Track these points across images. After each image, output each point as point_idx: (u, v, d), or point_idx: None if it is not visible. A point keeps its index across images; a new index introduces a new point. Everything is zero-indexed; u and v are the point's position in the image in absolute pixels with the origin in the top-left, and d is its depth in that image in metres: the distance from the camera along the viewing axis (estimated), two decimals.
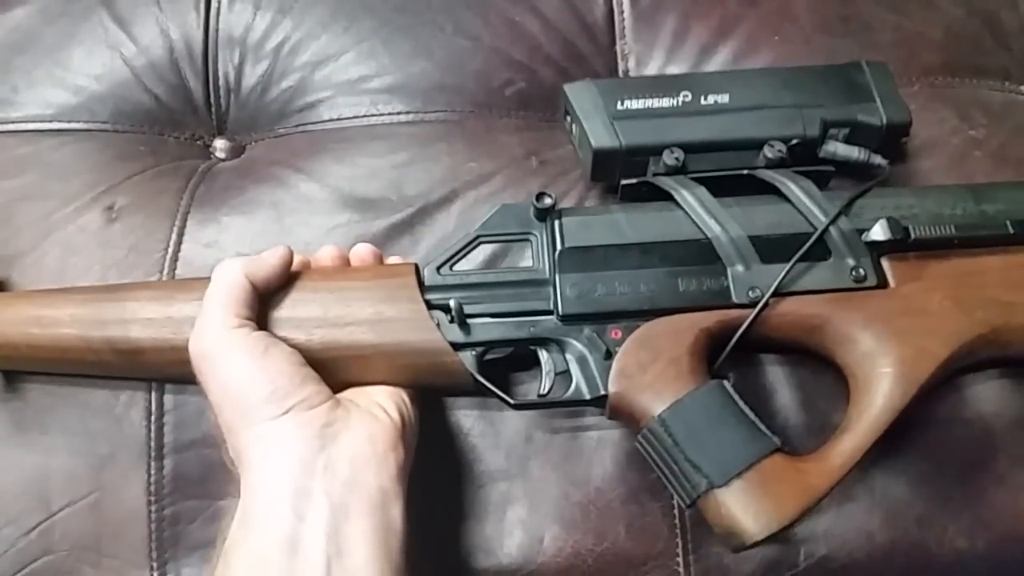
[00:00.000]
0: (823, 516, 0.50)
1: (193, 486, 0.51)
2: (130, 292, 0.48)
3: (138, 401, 0.52)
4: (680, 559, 0.50)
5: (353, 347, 0.46)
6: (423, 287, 0.48)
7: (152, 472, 0.52)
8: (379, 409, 0.44)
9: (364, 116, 0.62)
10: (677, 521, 0.50)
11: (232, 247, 0.56)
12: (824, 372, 0.51)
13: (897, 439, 0.50)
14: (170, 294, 0.48)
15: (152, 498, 0.51)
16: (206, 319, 0.43)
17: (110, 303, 0.47)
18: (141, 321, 0.47)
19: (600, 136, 0.51)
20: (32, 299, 0.49)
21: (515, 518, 0.50)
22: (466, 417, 0.52)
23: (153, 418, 0.52)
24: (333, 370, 0.46)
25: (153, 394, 0.52)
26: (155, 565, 0.51)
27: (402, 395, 0.46)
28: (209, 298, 0.44)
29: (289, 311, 0.46)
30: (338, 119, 0.62)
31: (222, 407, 0.42)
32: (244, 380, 0.42)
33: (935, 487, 0.50)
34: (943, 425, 0.51)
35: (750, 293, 0.47)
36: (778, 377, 0.52)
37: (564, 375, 0.47)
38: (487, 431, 0.52)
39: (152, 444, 0.52)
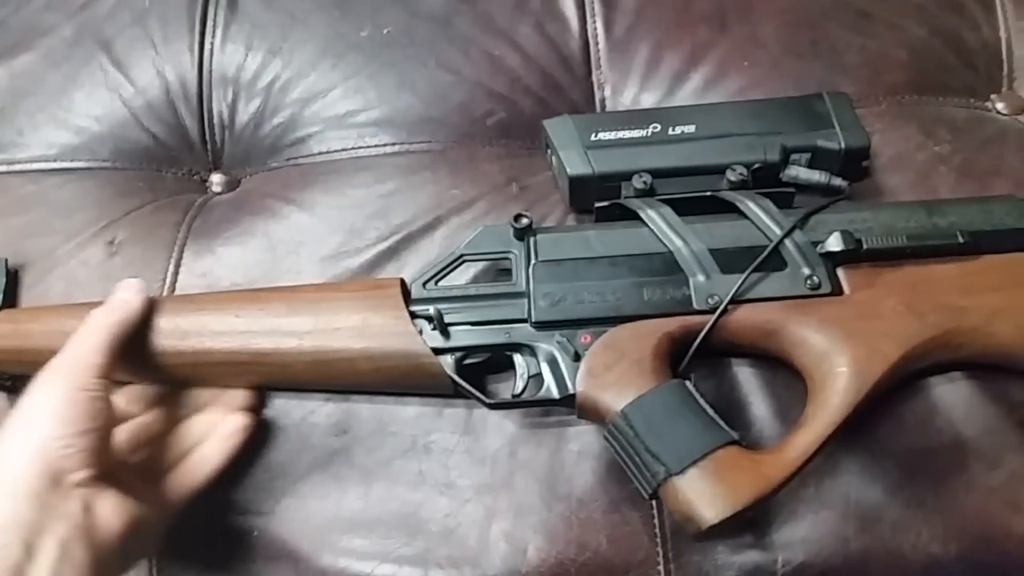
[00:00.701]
0: (799, 523, 0.59)
1: (194, 502, 0.63)
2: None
3: None
4: (661, 567, 0.59)
5: (341, 351, 0.60)
6: (409, 300, 0.62)
7: None
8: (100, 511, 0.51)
9: (352, 148, 0.77)
10: (657, 530, 0.60)
11: (227, 276, 0.70)
12: (798, 383, 0.60)
13: (869, 447, 0.59)
14: (175, 307, 0.63)
15: None
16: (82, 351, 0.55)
17: None
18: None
19: (575, 165, 0.66)
20: (57, 312, 0.63)
21: (500, 531, 0.60)
22: (451, 436, 0.63)
23: None
24: (323, 372, 0.60)
25: None
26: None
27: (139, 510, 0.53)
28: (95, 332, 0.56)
29: (283, 320, 0.61)
30: (327, 152, 0.77)
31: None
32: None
33: (909, 493, 0.59)
34: (915, 432, 0.61)
35: (710, 300, 0.59)
36: (752, 388, 0.63)
37: (537, 377, 0.60)
38: (472, 447, 0.63)
39: None
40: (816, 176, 0.65)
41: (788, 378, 0.61)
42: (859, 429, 0.60)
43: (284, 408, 0.65)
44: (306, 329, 0.61)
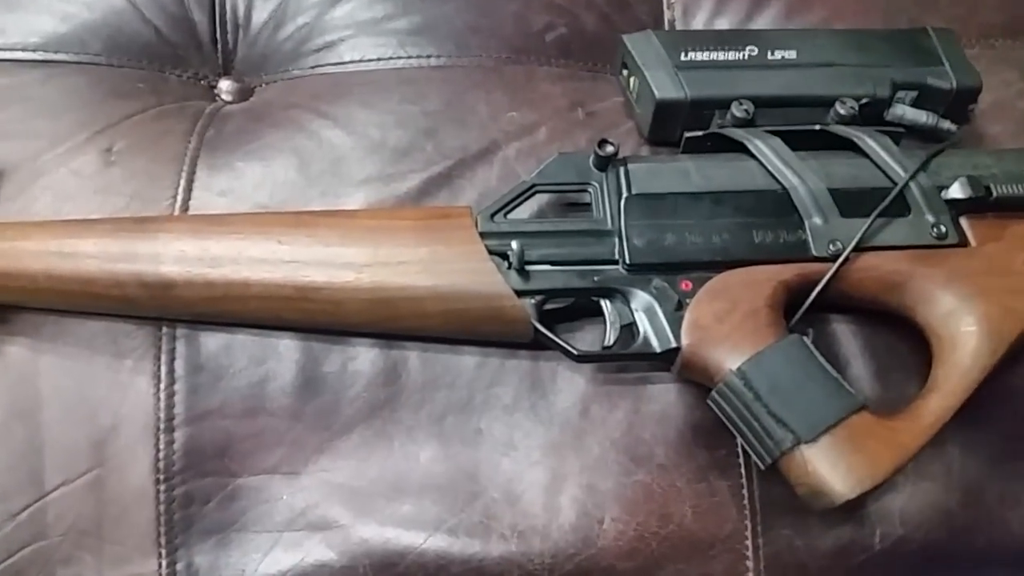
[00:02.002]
0: (898, 495, 0.55)
1: (208, 461, 0.55)
2: (161, 224, 0.53)
3: (145, 366, 0.56)
4: (749, 542, 0.55)
5: (406, 289, 0.52)
6: (478, 233, 0.54)
7: (161, 446, 0.55)
8: None
9: (390, 59, 0.67)
10: (747, 501, 0.55)
11: (250, 196, 0.60)
12: (899, 343, 0.57)
13: (972, 414, 0.54)
14: (204, 228, 0.52)
15: (161, 476, 0.54)
16: None
17: (140, 236, 0.52)
18: (174, 255, 0.51)
19: (665, 87, 0.58)
20: (54, 229, 0.53)
21: (570, 498, 0.54)
22: (514, 390, 0.57)
23: (163, 385, 0.56)
24: (385, 313, 0.51)
25: (163, 358, 0.56)
26: (164, 552, 0.54)
27: None
28: None
29: (336, 250, 0.52)
30: (362, 60, 0.68)
31: None
32: None
33: (1015, 464, 0.56)
34: (1020, 399, 0.57)
35: (830, 246, 0.53)
36: (852, 348, 0.58)
37: (629, 328, 0.53)
38: (538, 404, 0.56)
39: (162, 415, 0.55)
40: (924, 117, 0.60)
41: (889, 336, 0.58)
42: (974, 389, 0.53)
43: (321, 352, 0.57)
44: (364, 261, 0.52)
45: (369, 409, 0.56)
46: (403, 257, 0.52)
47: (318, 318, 0.54)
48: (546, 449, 0.56)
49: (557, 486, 0.55)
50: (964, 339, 0.52)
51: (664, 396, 0.57)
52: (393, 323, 0.54)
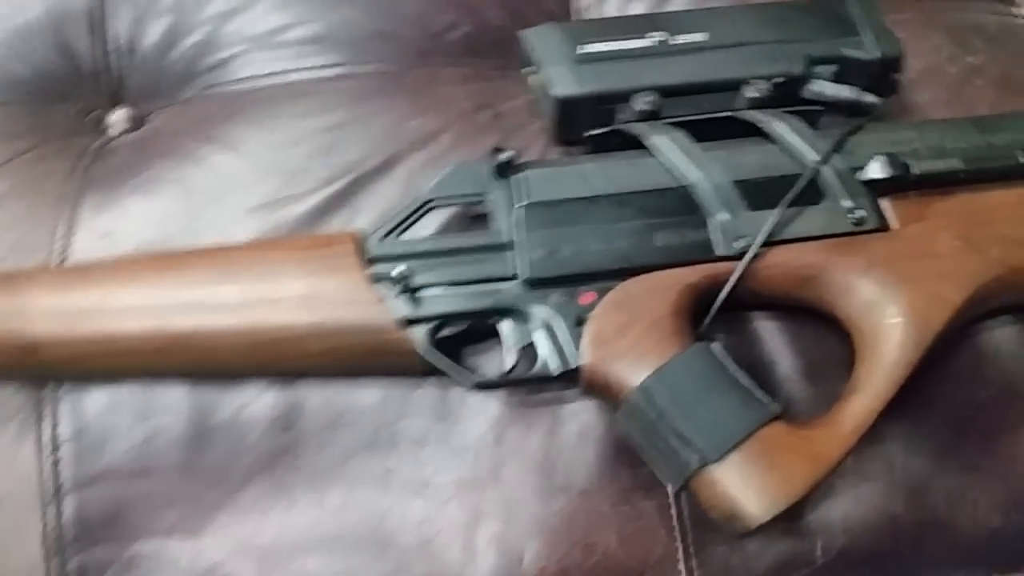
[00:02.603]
0: (838, 501, 0.52)
1: (100, 529, 0.52)
2: (29, 278, 0.50)
3: (28, 433, 0.53)
4: (682, 564, 0.52)
5: (284, 328, 0.49)
6: (365, 258, 0.50)
7: (49, 518, 0.52)
8: None
9: (284, 72, 0.65)
10: (676, 521, 0.52)
11: (134, 235, 0.57)
12: (827, 335, 0.54)
13: (913, 406, 0.52)
14: (69, 279, 0.50)
15: (51, 550, 0.51)
16: None
17: (5, 293, 0.49)
18: (40, 312, 0.49)
19: (563, 83, 0.54)
20: None
21: (489, 535, 0.52)
22: (422, 423, 0.53)
23: (46, 452, 0.52)
24: (265, 357, 0.48)
25: (45, 422, 0.53)
26: None
27: None
28: None
29: (207, 291, 0.49)
30: (254, 77, 0.65)
31: None
32: None
33: (960, 458, 0.53)
34: (961, 386, 0.54)
35: (736, 243, 0.50)
36: (777, 346, 0.55)
37: (530, 348, 0.50)
38: (449, 435, 0.53)
39: (48, 484, 0.52)
40: (845, 91, 0.56)
41: (817, 330, 0.54)
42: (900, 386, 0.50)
43: (211, 400, 0.54)
44: (238, 302, 0.49)
45: (267, 458, 0.53)
46: (281, 293, 0.49)
47: (196, 368, 0.51)
48: (461, 484, 0.53)
49: (474, 524, 0.52)
50: (887, 332, 0.48)
51: (581, 415, 0.53)
52: (277, 366, 0.51)
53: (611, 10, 0.69)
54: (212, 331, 0.49)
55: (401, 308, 0.50)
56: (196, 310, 0.49)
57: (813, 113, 0.55)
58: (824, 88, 0.56)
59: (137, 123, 0.66)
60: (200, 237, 0.57)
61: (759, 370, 0.54)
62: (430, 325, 0.50)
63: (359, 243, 0.51)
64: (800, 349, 0.55)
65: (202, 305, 0.49)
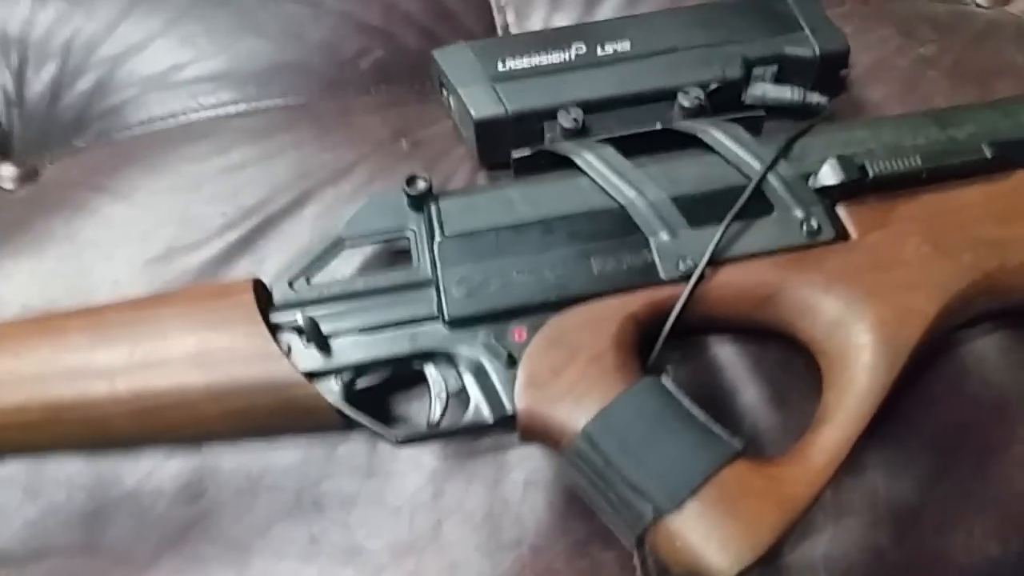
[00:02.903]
0: (818, 539, 0.48)
1: None
2: None
3: None
4: None
5: (174, 392, 0.44)
6: (270, 307, 0.46)
7: None
8: None
9: (182, 113, 0.61)
10: (639, 572, 0.48)
11: (16, 300, 0.54)
12: (793, 357, 0.50)
13: (893, 430, 0.49)
14: None
15: None
16: None
17: None
18: None
19: (481, 105, 0.52)
20: None
21: None
22: (350, 482, 0.50)
23: None
24: (155, 425, 0.44)
25: None
26: None
27: None
28: None
29: (85, 356, 0.44)
30: (148, 121, 0.62)
31: None
32: None
33: (950, 482, 0.49)
34: (944, 404, 0.51)
35: (680, 265, 0.46)
36: (738, 372, 0.51)
37: (460, 395, 0.46)
38: (381, 494, 0.49)
39: None
40: (788, 93, 0.54)
41: (782, 351, 0.51)
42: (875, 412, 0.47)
43: (110, 471, 0.50)
44: (120, 365, 0.44)
45: (177, 531, 0.49)
46: (168, 353, 0.44)
47: (84, 441, 0.46)
48: (396, 547, 0.48)
49: None
50: (856, 353, 0.44)
51: (527, 461, 0.50)
52: (174, 434, 0.46)
53: (535, 24, 0.66)
54: (94, 400, 0.44)
55: (309, 360, 0.45)
56: (74, 377, 0.44)
57: (755, 119, 0.52)
58: (765, 91, 0.53)
59: (28, 178, 0.62)
60: (92, 296, 0.53)
61: (719, 401, 0.51)
62: (345, 376, 0.46)
63: (261, 291, 0.47)
64: (764, 374, 0.51)
65: (81, 371, 0.44)
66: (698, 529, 0.40)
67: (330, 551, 0.48)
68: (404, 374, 0.48)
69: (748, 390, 0.51)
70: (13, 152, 0.63)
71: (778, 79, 0.54)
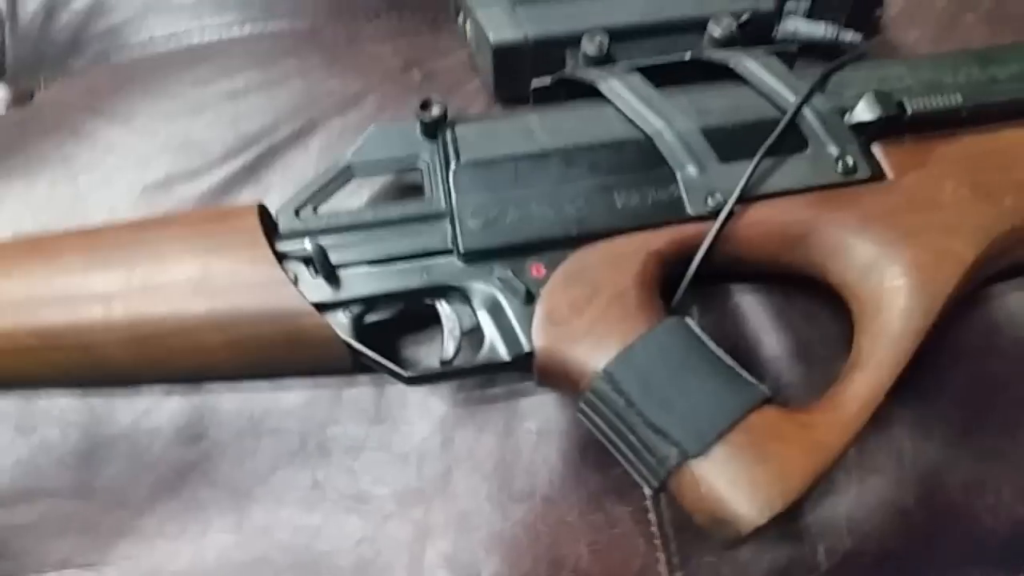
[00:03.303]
0: (841, 498, 0.48)
1: None
2: None
3: None
4: None
5: (173, 319, 0.42)
6: (275, 235, 0.45)
7: None
8: None
9: (184, 33, 0.60)
10: (656, 528, 0.47)
11: (7, 225, 0.52)
12: (819, 309, 0.49)
13: (921, 387, 0.48)
14: None
15: None
16: None
17: None
18: None
19: (500, 29, 0.50)
20: None
21: (437, 554, 0.47)
22: (357, 427, 0.48)
23: None
24: (153, 353, 0.43)
25: None
26: None
27: None
28: None
29: (79, 279, 0.42)
30: (149, 41, 0.60)
31: None
32: None
33: (977, 442, 0.49)
34: (974, 361, 0.50)
35: (709, 200, 0.45)
36: (761, 323, 0.50)
37: (474, 333, 0.45)
38: (389, 440, 0.48)
39: None
40: (821, 29, 0.52)
41: (808, 302, 0.50)
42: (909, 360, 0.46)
43: (105, 408, 0.48)
44: (116, 288, 0.42)
45: (175, 474, 0.48)
46: (166, 278, 0.42)
47: (77, 371, 0.45)
48: (403, 496, 0.48)
49: (420, 541, 0.47)
50: (890, 297, 0.43)
51: (541, 410, 0.49)
52: (169, 365, 0.44)
53: None
54: (89, 326, 0.42)
55: (317, 291, 0.44)
56: (68, 301, 0.42)
57: (787, 55, 0.50)
58: (798, 26, 0.52)
59: (22, 99, 0.61)
60: (87, 222, 0.50)
61: (741, 352, 0.49)
62: (354, 309, 0.44)
63: (265, 218, 0.45)
64: (788, 326, 0.50)
65: (75, 295, 0.42)
66: (725, 474, 0.38)
67: (335, 497, 0.47)
68: (415, 312, 0.47)
69: (771, 342, 0.50)
70: (5, 73, 0.62)
71: (811, 14, 0.52)
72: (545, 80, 0.49)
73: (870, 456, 0.48)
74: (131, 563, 0.47)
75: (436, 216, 0.45)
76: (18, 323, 0.42)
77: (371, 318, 0.46)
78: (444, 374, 0.45)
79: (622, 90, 0.46)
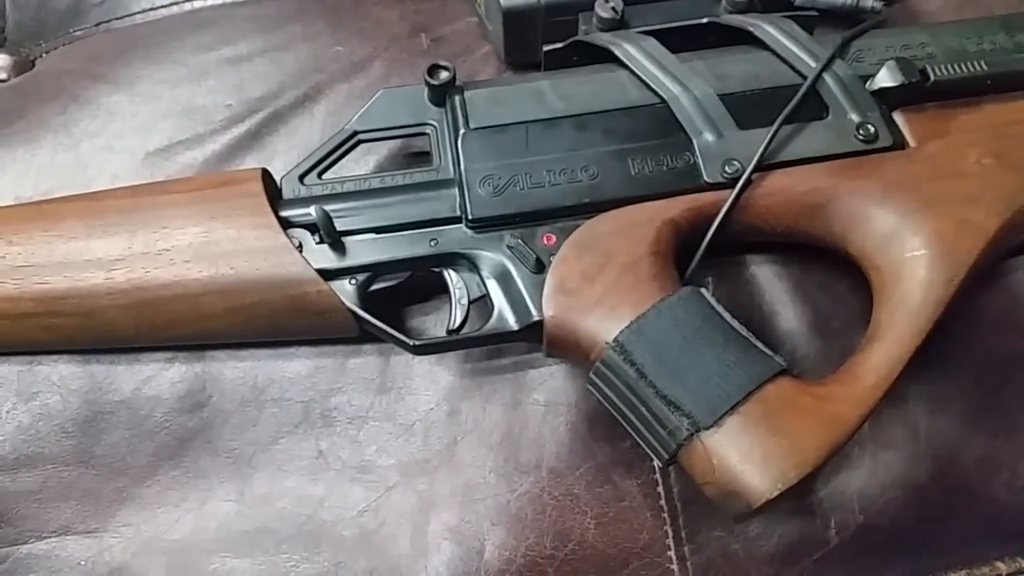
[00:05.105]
0: (855, 473, 0.47)
1: None
2: None
3: None
4: (672, 552, 0.47)
5: (175, 286, 0.42)
6: (279, 202, 0.44)
7: None
8: None
9: (186, 0, 0.59)
10: (664, 502, 0.47)
11: (9, 191, 0.52)
12: (837, 281, 0.49)
13: (938, 361, 0.48)
14: None
15: None
16: None
17: None
18: None
19: None
20: None
21: (442, 525, 0.47)
22: (362, 396, 0.48)
23: None
24: (154, 319, 0.42)
25: None
26: None
27: None
28: None
29: (80, 245, 0.42)
30: (150, 8, 0.60)
31: None
32: None
33: (994, 418, 0.48)
34: (992, 336, 0.49)
35: (726, 168, 0.44)
36: (777, 294, 0.50)
37: (481, 302, 0.44)
38: (394, 410, 0.48)
39: None
40: None
41: (825, 274, 0.50)
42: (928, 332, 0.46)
43: (106, 376, 0.48)
44: (117, 254, 0.42)
45: (176, 442, 0.48)
46: (168, 243, 0.42)
47: (76, 335, 0.44)
48: (407, 467, 0.48)
49: (424, 512, 0.47)
50: (910, 267, 0.42)
51: (548, 382, 0.48)
52: (170, 331, 0.44)
53: None
54: (90, 291, 0.42)
55: (321, 258, 0.43)
56: (68, 268, 0.42)
57: (808, 19, 0.49)
58: None
59: (23, 67, 0.61)
60: (90, 188, 0.50)
61: (756, 324, 0.49)
62: (359, 277, 0.44)
63: (269, 183, 0.44)
64: (805, 298, 0.49)
65: (76, 260, 0.42)
66: (738, 446, 0.38)
67: (338, 467, 0.47)
68: (421, 282, 0.46)
69: (788, 314, 0.49)
70: (7, 40, 0.62)
71: None
72: (558, 45, 0.48)
73: (884, 431, 0.47)
74: (132, 530, 0.47)
75: (444, 183, 0.45)
76: (20, 288, 0.42)
77: (377, 286, 0.45)
78: (451, 343, 0.44)
79: (637, 54, 0.45)
